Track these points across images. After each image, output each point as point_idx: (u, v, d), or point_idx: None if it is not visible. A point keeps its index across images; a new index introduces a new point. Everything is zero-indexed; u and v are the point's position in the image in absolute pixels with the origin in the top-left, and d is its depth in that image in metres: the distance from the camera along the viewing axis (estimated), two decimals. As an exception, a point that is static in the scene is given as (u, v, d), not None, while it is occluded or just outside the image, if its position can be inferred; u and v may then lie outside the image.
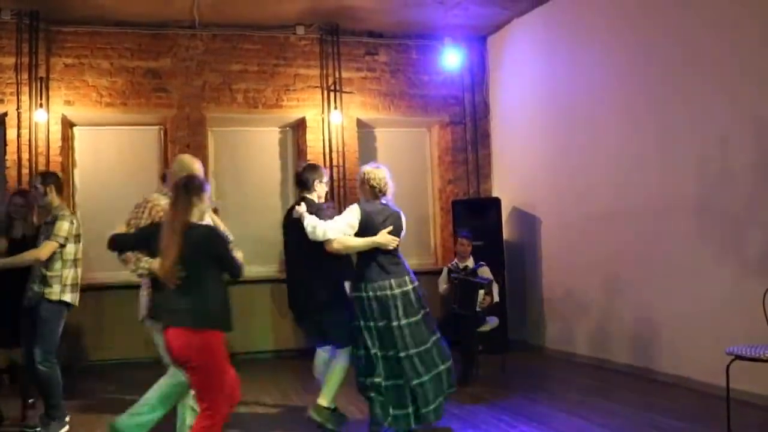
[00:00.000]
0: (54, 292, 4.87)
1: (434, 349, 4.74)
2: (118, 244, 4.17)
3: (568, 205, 7.59)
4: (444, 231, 9.05)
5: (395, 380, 4.63)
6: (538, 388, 6.42)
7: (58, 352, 4.97)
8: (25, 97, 7.65)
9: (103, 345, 7.80)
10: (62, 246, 4.91)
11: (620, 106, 6.79)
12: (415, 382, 4.59)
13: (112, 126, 8.27)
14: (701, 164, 5.85)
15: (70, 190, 8.02)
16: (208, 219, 4.12)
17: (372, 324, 4.64)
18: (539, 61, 8.15)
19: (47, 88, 7.74)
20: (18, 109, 7.64)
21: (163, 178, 5.94)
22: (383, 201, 4.84)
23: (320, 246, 4.67)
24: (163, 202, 4.38)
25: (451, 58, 8.42)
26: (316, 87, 8.59)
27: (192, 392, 4.04)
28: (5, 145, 7.69)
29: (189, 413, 4.28)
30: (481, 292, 6.45)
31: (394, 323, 4.60)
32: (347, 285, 4.90)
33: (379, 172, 4.84)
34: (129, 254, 4.22)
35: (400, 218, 4.85)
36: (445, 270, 6.97)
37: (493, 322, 6.79)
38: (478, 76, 9.20)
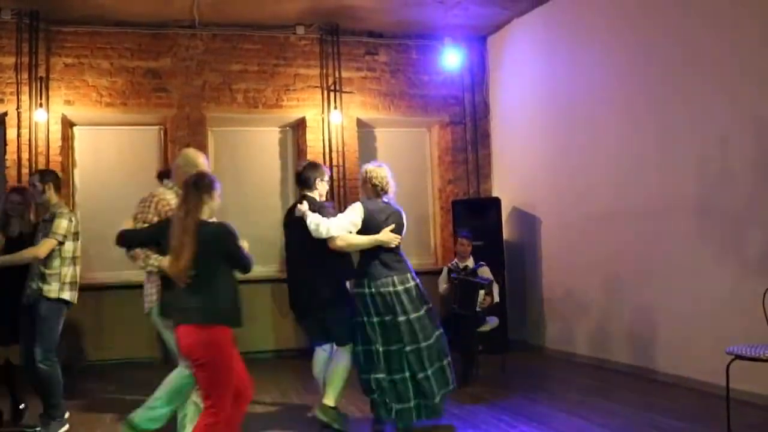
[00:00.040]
0: (53, 290, 4.86)
1: (438, 343, 4.79)
2: (127, 240, 4.16)
3: (568, 205, 7.59)
4: (444, 231, 9.05)
5: (396, 375, 4.66)
6: (538, 388, 6.41)
7: (58, 352, 4.97)
8: (25, 97, 7.65)
9: (102, 345, 7.80)
10: (61, 243, 4.90)
11: (620, 106, 6.79)
12: (421, 375, 4.65)
13: (112, 126, 8.27)
14: (701, 164, 5.85)
15: (70, 190, 8.02)
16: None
17: (375, 320, 4.67)
18: (539, 61, 8.15)
19: (47, 88, 7.74)
20: (18, 108, 7.64)
21: (160, 177, 5.97)
22: (385, 199, 4.89)
23: (322, 244, 4.70)
24: (169, 196, 4.39)
25: (451, 58, 8.42)
26: (316, 87, 8.60)
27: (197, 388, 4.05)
28: (5, 144, 7.69)
29: (192, 409, 4.28)
30: (482, 292, 6.45)
31: (401, 318, 4.65)
32: (348, 283, 4.94)
33: (381, 170, 4.89)
34: (138, 251, 4.18)
35: (401, 216, 4.89)
36: (445, 269, 6.98)
37: (493, 322, 6.79)
38: (478, 76, 9.20)
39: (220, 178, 3.93)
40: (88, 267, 7.94)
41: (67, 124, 8.05)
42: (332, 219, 4.71)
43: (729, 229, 5.61)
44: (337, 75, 8.59)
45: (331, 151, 8.55)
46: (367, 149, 8.93)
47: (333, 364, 4.90)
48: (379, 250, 4.74)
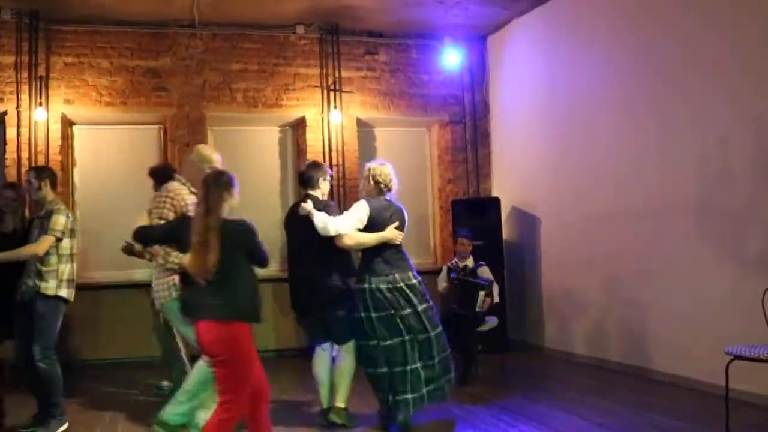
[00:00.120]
0: (50, 287, 4.84)
1: (441, 336, 4.87)
2: (144, 236, 4.16)
3: (568, 204, 7.59)
4: (443, 230, 9.05)
5: (397, 367, 4.70)
6: (538, 387, 6.42)
7: (57, 351, 4.96)
8: (24, 96, 7.65)
9: (101, 344, 7.79)
10: (59, 240, 4.88)
11: (620, 105, 6.79)
12: (429, 362, 4.74)
13: (112, 125, 8.27)
14: (701, 164, 5.85)
15: (70, 189, 8.02)
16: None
17: (374, 315, 4.71)
18: (539, 61, 8.15)
19: (47, 87, 7.74)
20: (18, 107, 7.64)
21: (152, 175, 5.98)
22: (387, 197, 4.93)
23: (324, 243, 4.74)
24: (184, 192, 4.38)
25: (451, 58, 8.41)
26: (316, 86, 8.59)
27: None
28: (5, 143, 7.69)
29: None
30: (482, 293, 6.45)
31: (406, 311, 4.71)
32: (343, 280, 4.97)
33: (384, 168, 4.96)
34: (156, 247, 4.18)
35: (403, 214, 4.97)
36: (445, 269, 6.98)
37: (492, 321, 6.78)
38: (478, 75, 9.20)
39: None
40: (87, 266, 7.95)
41: (67, 124, 8.05)
42: (339, 217, 4.76)
43: (729, 229, 5.61)
44: (336, 74, 8.59)
45: (330, 150, 8.54)
46: (367, 149, 8.93)
47: (338, 365, 4.96)
48: (382, 247, 4.79)
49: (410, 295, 4.75)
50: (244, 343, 3.64)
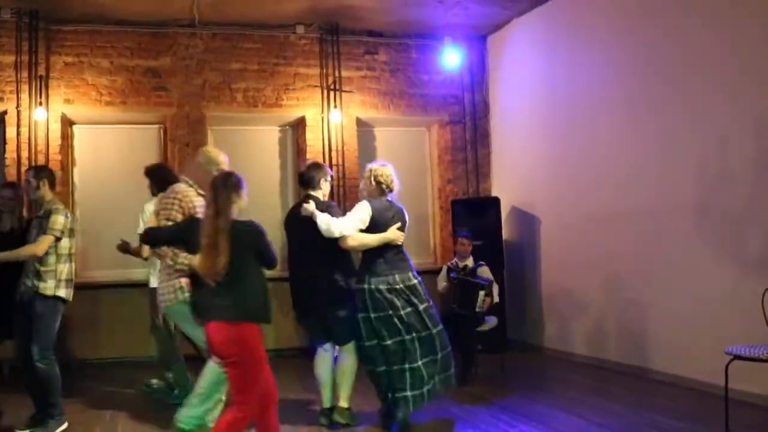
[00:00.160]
0: (48, 288, 4.83)
1: (442, 334, 4.90)
2: (152, 237, 4.16)
3: (568, 204, 7.59)
4: (443, 230, 9.05)
5: (396, 366, 4.72)
6: (537, 387, 6.42)
7: (56, 350, 4.95)
8: (24, 96, 7.65)
9: (101, 343, 7.79)
10: (58, 240, 4.86)
11: (620, 105, 6.79)
12: (431, 357, 4.76)
13: (112, 125, 8.27)
14: (701, 164, 5.85)
15: (70, 189, 8.02)
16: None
17: (373, 315, 4.73)
18: (539, 61, 8.15)
19: (47, 87, 7.74)
20: (18, 107, 7.64)
21: (147, 174, 5.98)
22: (388, 198, 4.95)
23: (325, 243, 4.76)
24: (191, 194, 4.37)
25: (451, 58, 8.41)
26: (316, 86, 8.59)
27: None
28: (5, 143, 7.69)
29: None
30: (482, 293, 6.46)
31: (406, 310, 4.72)
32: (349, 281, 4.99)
33: (385, 169, 4.99)
34: (165, 249, 4.14)
35: (404, 214, 4.99)
36: (445, 268, 6.98)
37: (492, 321, 6.78)
38: (478, 75, 9.20)
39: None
40: (87, 265, 7.96)
41: (67, 123, 8.04)
42: (342, 219, 4.78)
43: (729, 229, 5.61)
44: (336, 74, 8.59)
45: (330, 150, 8.54)
46: (367, 148, 8.93)
47: (340, 365, 5.00)
48: (383, 248, 4.81)
49: (410, 295, 4.77)
50: (254, 343, 3.65)
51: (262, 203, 8.50)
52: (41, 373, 4.81)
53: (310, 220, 4.78)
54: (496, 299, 6.73)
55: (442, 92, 9.05)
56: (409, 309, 4.72)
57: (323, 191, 5.08)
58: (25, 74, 7.66)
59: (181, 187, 4.43)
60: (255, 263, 3.74)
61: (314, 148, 8.51)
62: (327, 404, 5.04)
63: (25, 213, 5.47)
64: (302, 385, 6.32)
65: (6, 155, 7.64)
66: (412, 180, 8.88)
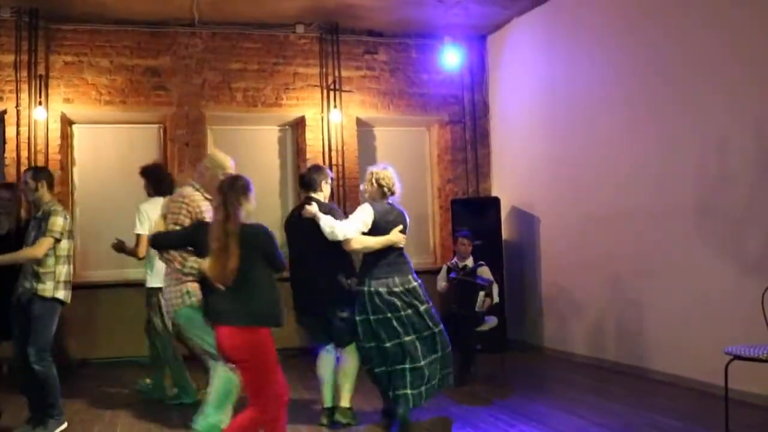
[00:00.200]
0: (47, 289, 4.81)
1: (444, 332, 4.92)
2: (160, 242, 4.12)
3: (568, 204, 7.59)
4: (443, 230, 9.05)
5: (397, 365, 4.74)
6: (537, 387, 6.42)
7: (55, 351, 4.94)
8: (24, 95, 7.64)
9: (100, 343, 7.78)
10: (57, 242, 4.85)
11: (620, 105, 6.79)
12: (431, 358, 4.77)
13: (112, 124, 8.26)
14: (701, 164, 5.85)
15: (69, 188, 8.02)
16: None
17: (372, 318, 4.74)
18: (539, 61, 8.14)
19: (46, 86, 7.73)
20: (17, 106, 7.63)
21: (143, 174, 5.96)
22: (389, 201, 4.98)
23: (328, 244, 4.78)
24: (198, 198, 4.35)
25: (451, 57, 8.40)
26: (316, 86, 8.59)
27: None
28: (4, 143, 7.68)
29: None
30: (482, 293, 6.46)
31: (406, 312, 4.74)
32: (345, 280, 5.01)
33: (387, 172, 5.01)
34: (173, 253, 4.08)
35: (405, 217, 5.01)
36: (445, 268, 6.97)
37: (491, 321, 6.78)
38: (478, 75, 9.20)
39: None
40: (86, 265, 7.96)
41: (67, 123, 8.04)
42: (345, 222, 4.82)
43: (729, 230, 5.61)
44: (336, 74, 8.59)
45: (330, 150, 8.54)
46: (367, 148, 8.93)
47: (341, 366, 5.03)
48: (385, 250, 4.83)
49: (410, 297, 4.79)
50: (266, 347, 3.66)
51: (262, 203, 8.37)
52: (39, 375, 4.79)
53: (311, 222, 4.81)
54: (496, 300, 6.72)
55: (441, 92, 9.04)
56: (409, 311, 4.74)
57: (324, 193, 5.12)
58: (24, 74, 7.66)
59: (188, 191, 4.40)
60: (264, 266, 3.72)
61: (314, 147, 8.51)
62: (328, 404, 5.06)
63: (23, 213, 5.44)
64: (303, 385, 6.32)
65: (5, 155, 7.64)
66: (411, 180, 8.87)
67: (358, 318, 4.78)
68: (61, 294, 4.90)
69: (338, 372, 5.03)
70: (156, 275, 5.81)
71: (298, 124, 8.71)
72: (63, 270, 4.92)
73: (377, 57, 8.84)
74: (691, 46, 5.94)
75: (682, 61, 6.04)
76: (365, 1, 7.80)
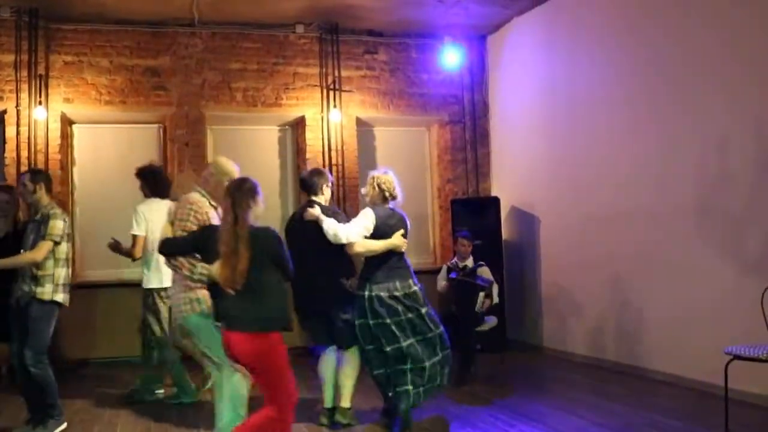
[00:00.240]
0: (46, 292, 4.81)
1: (444, 334, 4.95)
2: (168, 248, 4.05)
3: (568, 204, 7.59)
4: (443, 230, 9.05)
5: (396, 366, 4.77)
6: (537, 387, 6.42)
7: (53, 351, 4.92)
8: (24, 95, 7.64)
9: (100, 343, 7.78)
10: (56, 245, 4.84)
11: (620, 105, 6.79)
12: (433, 360, 4.79)
13: (111, 124, 8.26)
14: (701, 164, 5.85)
15: (69, 188, 8.02)
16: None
17: (372, 322, 4.76)
18: (539, 61, 8.14)
19: (46, 86, 7.73)
20: (17, 106, 7.63)
21: (139, 175, 5.95)
22: (390, 205, 5.01)
23: (329, 247, 4.81)
24: (205, 205, 4.31)
25: (451, 57, 8.40)
26: (316, 86, 8.59)
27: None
28: (4, 142, 7.68)
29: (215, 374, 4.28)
30: (481, 294, 6.46)
31: (407, 316, 4.77)
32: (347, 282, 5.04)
33: (388, 177, 5.03)
34: (181, 260, 4.01)
35: (406, 222, 5.04)
36: (445, 267, 6.97)
37: (491, 321, 6.78)
38: (478, 75, 9.20)
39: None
40: (86, 264, 7.96)
41: (67, 122, 8.04)
42: (348, 225, 4.84)
43: (729, 230, 5.61)
44: (336, 74, 8.59)
45: (330, 150, 8.54)
46: (367, 148, 8.93)
47: (342, 366, 5.04)
48: (386, 255, 4.86)
49: (410, 301, 4.82)
50: (278, 351, 3.65)
51: (262, 203, 8.51)
52: (36, 378, 4.79)
53: (313, 224, 4.84)
54: (496, 300, 6.73)
55: (441, 92, 9.04)
56: (410, 314, 4.79)
57: (325, 196, 5.15)
58: (24, 73, 7.66)
59: (195, 197, 4.37)
60: (273, 270, 3.70)
61: (314, 147, 8.51)
62: (329, 404, 5.08)
63: (20, 216, 5.41)
64: (303, 385, 6.28)
65: (5, 154, 7.64)
66: (411, 179, 8.88)
67: (357, 322, 4.82)
68: (60, 297, 4.89)
69: (339, 372, 5.05)
70: (153, 276, 5.81)
71: (298, 124, 8.71)
72: (62, 273, 4.91)
73: (377, 57, 8.84)
74: (691, 46, 5.94)
75: (682, 61, 6.04)
76: (365, 1, 7.80)
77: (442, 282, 6.84)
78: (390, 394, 4.79)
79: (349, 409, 5.04)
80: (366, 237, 4.83)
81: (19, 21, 7.67)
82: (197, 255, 3.99)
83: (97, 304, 7.75)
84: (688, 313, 5.93)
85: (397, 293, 4.75)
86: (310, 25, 8.54)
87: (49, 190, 5.06)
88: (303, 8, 8.01)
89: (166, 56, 8.17)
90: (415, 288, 4.87)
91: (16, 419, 5.20)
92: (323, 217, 4.83)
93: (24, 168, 7.47)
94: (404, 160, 8.96)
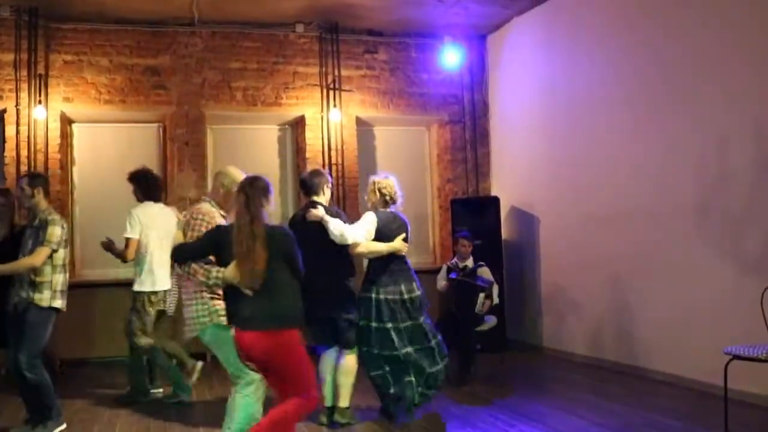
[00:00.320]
0: (44, 299, 4.79)
1: (442, 342, 5.04)
2: (181, 254, 3.92)
3: (567, 204, 7.58)
4: (443, 230, 9.05)
5: (395, 366, 4.88)
6: (537, 387, 6.42)
7: (53, 352, 4.91)
8: (24, 94, 7.64)
9: (99, 343, 7.77)
10: (55, 251, 4.82)
11: (620, 105, 6.78)
12: (433, 369, 4.91)
13: (111, 123, 8.26)
14: (701, 164, 5.85)
15: (69, 187, 8.02)
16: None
17: (374, 325, 4.87)
18: (539, 60, 8.14)
19: (46, 85, 7.73)
20: (17, 105, 7.62)
21: (132, 180, 5.93)
22: (391, 209, 5.08)
23: (331, 249, 4.85)
24: (216, 216, 4.27)
25: (451, 57, 8.39)
26: (316, 85, 8.58)
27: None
28: (4, 142, 7.67)
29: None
30: (481, 295, 6.47)
31: (406, 323, 4.88)
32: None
33: (389, 181, 5.11)
34: (195, 266, 3.87)
35: (407, 226, 5.11)
36: (444, 267, 6.96)
37: (491, 321, 6.78)
38: (478, 74, 9.19)
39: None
40: (85, 264, 7.95)
41: (66, 122, 8.03)
42: (353, 226, 4.89)
43: (728, 229, 5.61)
44: (336, 73, 8.58)
45: (330, 149, 8.54)
46: (366, 148, 8.93)
47: (341, 366, 5.06)
48: (389, 258, 4.94)
49: (412, 309, 4.91)
50: (295, 346, 3.66)
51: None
52: (32, 382, 4.79)
53: (315, 225, 4.86)
54: (496, 300, 6.73)
55: (441, 92, 9.04)
56: (409, 323, 4.88)
57: (325, 197, 5.17)
58: (24, 72, 7.65)
59: (206, 207, 4.33)
60: (285, 268, 3.70)
61: (314, 147, 8.51)
62: (328, 403, 5.08)
63: (17, 219, 5.37)
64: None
65: (5, 154, 7.63)
66: (411, 179, 8.88)
67: (361, 323, 4.88)
68: (58, 303, 4.88)
69: (338, 371, 5.06)
70: (146, 279, 5.80)
71: (298, 124, 8.71)
72: (59, 279, 4.89)
73: (377, 56, 8.83)
74: (691, 46, 5.94)
75: (682, 61, 6.04)
76: (365, 0, 7.79)
77: (442, 282, 6.84)
78: (391, 391, 4.82)
79: (347, 408, 5.05)
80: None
81: (18, 20, 7.66)
82: (211, 258, 3.89)
83: (96, 303, 7.74)
84: (687, 313, 5.93)
85: (404, 296, 4.84)
86: (310, 24, 8.53)
87: (47, 195, 5.03)
88: (303, 7, 8.01)
89: (166, 55, 8.17)
90: (418, 293, 4.96)
91: (16, 419, 5.20)
92: (328, 218, 4.84)
93: (24, 167, 7.48)
94: (404, 160, 8.96)
